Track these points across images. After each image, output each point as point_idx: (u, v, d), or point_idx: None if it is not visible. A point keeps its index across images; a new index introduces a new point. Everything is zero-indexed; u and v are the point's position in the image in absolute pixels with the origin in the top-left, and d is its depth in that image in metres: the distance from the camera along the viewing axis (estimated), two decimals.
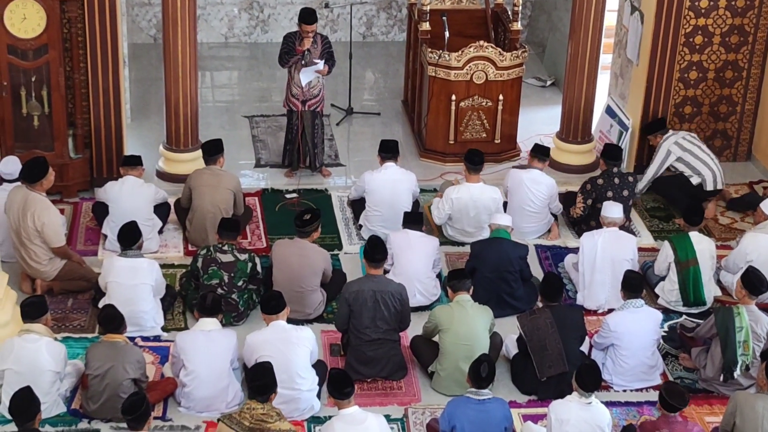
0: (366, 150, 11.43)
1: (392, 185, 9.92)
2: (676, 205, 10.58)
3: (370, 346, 8.33)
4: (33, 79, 10.01)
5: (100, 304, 8.51)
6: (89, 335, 8.72)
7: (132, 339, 8.44)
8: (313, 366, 8.09)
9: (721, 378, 8.33)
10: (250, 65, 13.43)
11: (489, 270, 9.03)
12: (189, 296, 9.03)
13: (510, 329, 8.70)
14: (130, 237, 8.71)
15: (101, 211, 9.82)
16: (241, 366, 8.17)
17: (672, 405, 7.29)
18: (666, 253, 9.32)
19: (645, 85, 11.07)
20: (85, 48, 10.11)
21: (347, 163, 11.33)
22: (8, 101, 10.00)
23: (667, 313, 9.19)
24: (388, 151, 9.99)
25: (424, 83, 11.28)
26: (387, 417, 7.69)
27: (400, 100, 12.59)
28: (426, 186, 10.64)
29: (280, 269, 8.92)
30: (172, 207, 10.08)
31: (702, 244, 9.26)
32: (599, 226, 9.54)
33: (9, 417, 7.23)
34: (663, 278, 9.39)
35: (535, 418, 8.05)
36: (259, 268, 9.12)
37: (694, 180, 10.55)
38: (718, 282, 9.54)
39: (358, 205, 10.23)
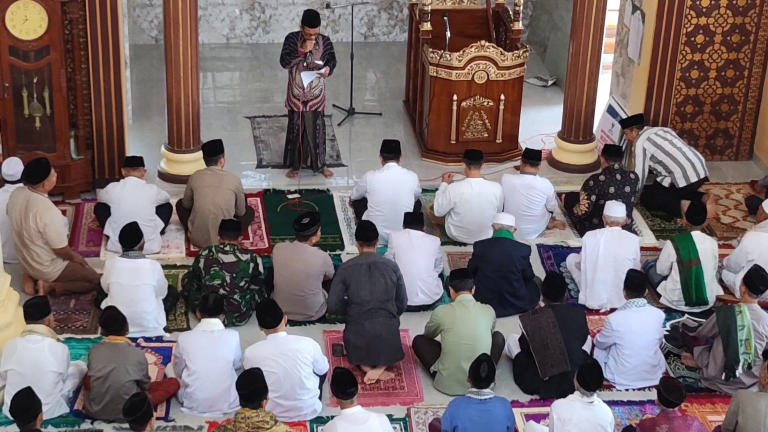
0: (367, 150, 11.43)
1: (394, 185, 9.93)
2: (666, 211, 10.59)
3: (369, 316, 8.35)
4: (34, 81, 10.02)
5: (102, 305, 8.52)
6: (91, 336, 8.73)
7: (134, 340, 8.45)
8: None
9: (724, 377, 8.33)
10: (251, 66, 13.44)
11: (491, 269, 9.03)
12: (191, 297, 9.03)
13: (512, 329, 8.70)
14: (131, 238, 8.71)
15: (103, 212, 9.82)
16: (242, 367, 8.15)
17: (670, 400, 7.29)
18: (668, 253, 9.32)
19: (646, 85, 11.08)
20: (86, 49, 10.12)
21: (349, 164, 11.34)
22: (10, 102, 10.01)
23: (670, 312, 9.19)
24: (390, 151, 9.99)
25: (426, 83, 11.28)
26: (389, 417, 7.69)
27: (402, 101, 12.60)
28: (428, 186, 10.64)
29: (281, 273, 8.93)
30: (174, 208, 10.08)
31: (704, 244, 9.25)
32: (601, 223, 9.54)
33: (11, 418, 7.22)
34: (665, 277, 9.38)
35: (538, 418, 8.05)
36: (261, 268, 9.12)
37: (665, 182, 10.52)
38: (720, 281, 9.54)
39: (359, 206, 10.23)
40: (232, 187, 9.77)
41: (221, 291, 8.75)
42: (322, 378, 8.14)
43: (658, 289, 9.40)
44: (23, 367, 7.76)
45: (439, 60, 10.94)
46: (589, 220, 10.06)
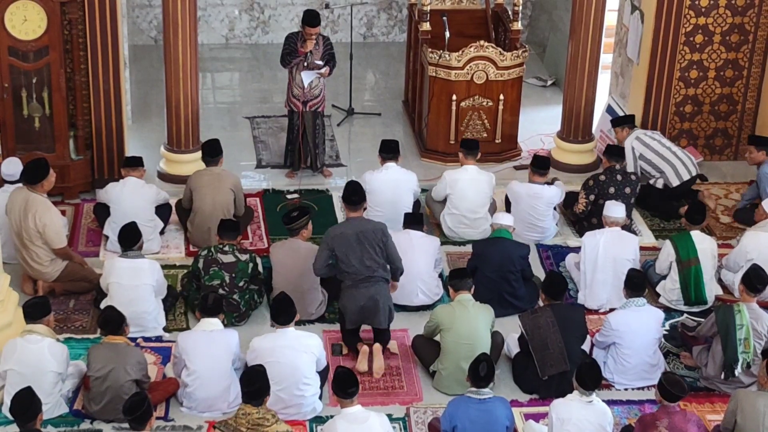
0: (367, 150, 11.44)
1: (393, 185, 9.94)
2: (660, 212, 10.57)
3: (362, 283, 8.40)
4: (34, 81, 10.02)
5: (102, 305, 8.52)
6: (91, 336, 8.73)
7: (134, 339, 8.45)
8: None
9: (723, 376, 8.33)
10: (250, 66, 13.45)
11: (491, 269, 9.04)
12: (190, 297, 9.04)
13: (511, 328, 8.71)
14: (130, 238, 8.72)
15: (102, 212, 9.83)
16: (242, 366, 8.17)
17: (672, 393, 7.29)
18: (667, 252, 9.32)
19: (645, 85, 11.09)
20: (85, 49, 10.12)
21: (348, 164, 11.34)
22: (9, 103, 10.01)
23: (669, 312, 9.19)
24: (389, 151, 10.00)
25: (425, 83, 11.29)
26: (389, 416, 7.70)
27: (401, 101, 12.60)
28: (427, 186, 10.64)
29: (279, 272, 8.94)
30: (174, 208, 10.09)
31: (704, 244, 9.26)
32: (601, 223, 9.55)
33: (11, 417, 7.23)
34: (664, 277, 9.39)
35: (537, 417, 8.06)
36: (260, 268, 9.13)
37: (659, 183, 10.48)
38: (719, 281, 9.54)
39: None
40: (231, 187, 9.78)
41: (220, 291, 8.76)
42: (323, 378, 8.15)
43: (657, 289, 9.40)
44: (23, 367, 7.77)
45: (438, 60, 10.95)
46: (588, 220, 10.07)
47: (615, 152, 10.09)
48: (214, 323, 8.10)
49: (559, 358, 8.21)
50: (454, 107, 11.03)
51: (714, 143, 11.53)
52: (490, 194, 10.01)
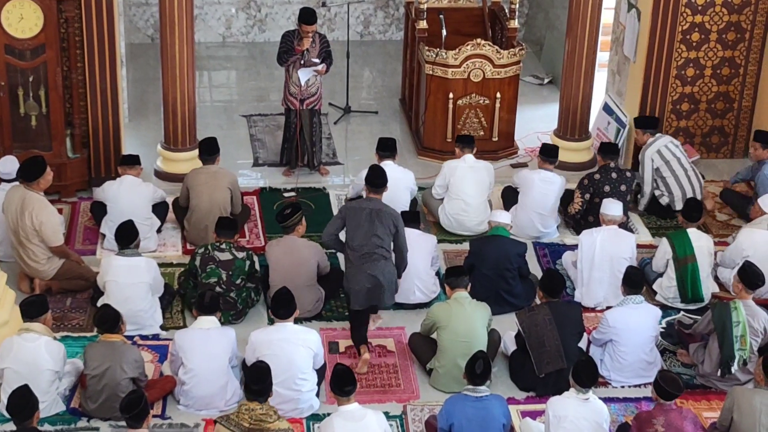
0: (364, 148, 11.45)
1: (391, 183, 9.88)
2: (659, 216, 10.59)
3: (365, 260, 8.44)
4: (30, 79, 10.02)
5: (99, 303, 8.52)
6: (88, 334, 8.73)
7: (131, 338, 8.46)
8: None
9: (719, 373, 8.34)
10: (247, 65, 13.45)
11: (487, 267, 9.05)
12: (187, 295, 9.04)
13: (508, 326, 8.72)
14: (127, 236, 8.72)
15: (99, 210, 9.83)
16: (240, 364, 8.18)
17: (668, 391, 7.30)
18: (664, 250, 9.33)
19: (642, 82, 11.09)
20: (82, 48, 10.12)
21: (345, 162, 11.35)
22: (6, 101, 10.01)
23: (665, 309, 9.19)
24: (386, 149, 10.01)
25: (422, 81, 11.30)
26: (386, 414, 7.70)
27: (398, 99, 12.61)
28: (424, 184, 10.65)
29: (275, 270, 8.94)
30: (171, 206, 10.09)
31: (700, 241, 9.27)
32: (597, 221, 9.56)
33: (8, 416, 7.23)
34: (661, 275, 9.40)
35: (534, 415, 8.06)
36: (257, 266, 9.13)
37: (663, 200, 10.46)
38: (716, 278, 9.55)
39: None
40: (228, 186, 9.78)
41: (217, 289, 8.76)
42: (321, 376, 8.15)
43: (654, 287, 9.41)
44: (20, 365, 7.77)
45: (435, 58, 10.95)
46: (584, 218, 10.07)
47: (609, 150, 10.09)
48: (211, 321, 8.10)
49: (555, 356, 8.22)
50: (451, 105, 11.04)
51: (710, 141, 11.53)
52: (489, 182, 10.02)
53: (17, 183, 9.11)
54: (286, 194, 10.72)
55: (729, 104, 11.41)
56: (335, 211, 10.41)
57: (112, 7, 10.04)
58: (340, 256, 9.72)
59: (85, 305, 9.08)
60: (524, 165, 11.13)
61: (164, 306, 8.96)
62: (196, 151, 10.26)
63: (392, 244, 8.58)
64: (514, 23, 11.43)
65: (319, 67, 10.56)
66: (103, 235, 9.77)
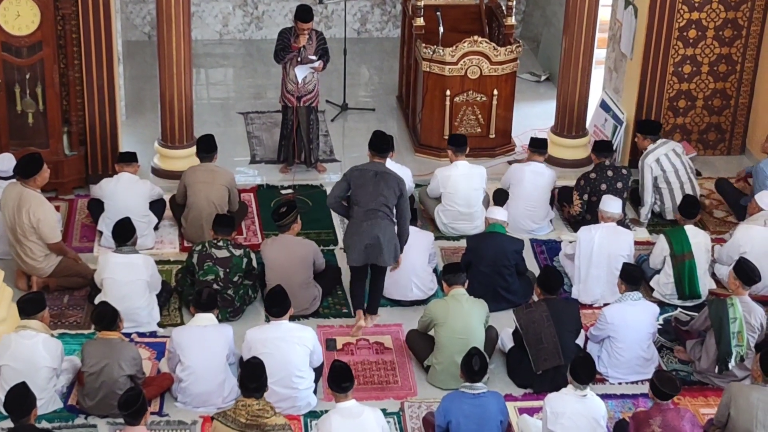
0: (361, 146, 11.40)
1: None
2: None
3: (368, 217, 8.52)
4: (27, 77, 10.01)
5: (96, 301, 8.52)
6: (85, 332, 8.73)
7: (128, 335, 8.46)
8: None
9: (716, 370, 8.35)
10: (244, 62, 13.44)
11: (485, 264, 9.05)
12: (185, 292, 9.04)
13: (505, 323, 8.72)
14: (124, 233, 8.72)
15: (96, 207, 9.82)
16: (237, 361, 8.18)
17: (664, 392, 7.30)
18: (661, 247, 9.33)
19: (639, 80, 11.09)
20: (79, 45, 10.11)
21: (342, 159, 11.34)
22: (2, 98, 10.00)
23: (662, 306, 9.20)
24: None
25: (419, 79, 11.30)
26: (383, 411, 7.69)
27: (395, 96, 12.61)
28: (421, 181, 10.65)
29: (271, 268, 8.93)
30: (168, 203, 10.09)
31: (697, 238, 9.27)
32: (595, 219, 9.56)
33: (5, 413, 7.23)
34: (658, 271, 9.40)
35: (531, 411, 8.07)
36: (254, 263, 9.13)
37: (655, 208, 10.38)
38: (713, 275, 9.56)
39: None
40: (225, 183, 9.78)
41: (215, 286, 8.76)
42: (318, 374, 8.16)
43: (651, 283, 9.41)
44: (17, 362, 7.76)
45: (432, 55, 10.95)
46: (582, 217, 10.07)
47: (603, 148, 10.09)
48: (208, 318, 8.11)
49: (553, 353, 8.22)
50: (448, 102, 11.04)
51: (707, 138, 11.54)
52: (484, 187, 10.03)
53: (14, 180, 9.11)
54: (283, 191, 10.72)
55: (726, 101, 11.42)
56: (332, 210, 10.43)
57: (109, 4, 10.03)
58: (337, 254, 9.76)
59: (82, 302, 9.07)
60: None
61: (161, 303, 8.96)
62: (194, 149, 10.26)
63: (395, 209, 8.68)
64: (511, 20, 11.43)
65: (316, 64, 10.56)
66: (101, 233, 9.76)
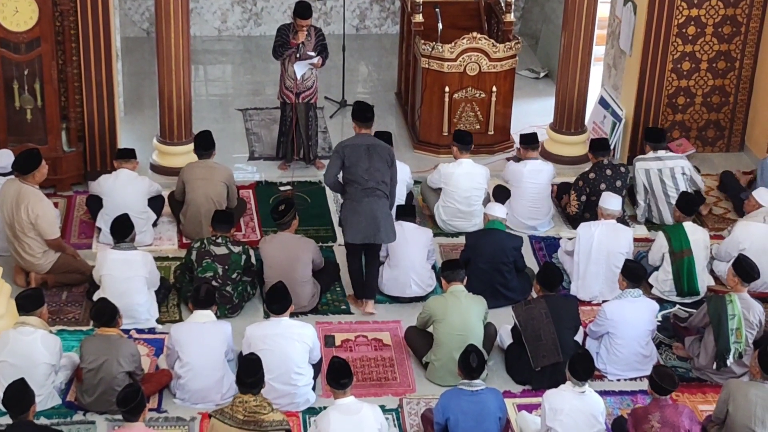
0: None
1: None
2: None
3: (366, 195, 8.65)
4: (25, 73, 10.00)
5: (95, 297, 8.51)
6: (84, 328, 8.72)
7: (126, 331, 8.45)
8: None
9: (715, 366, 8.35)
10: (243, 58, 13.43)
11: (483, 261, 9.05)
12: (183, 288, 9.04)
13: (504, 319, 8.72)
14: (122, 230, 8.71)
15: (95, 204, 9.82)
16: (236, 357, 8.18)
17: (663, 387, 7.31)
18: (660, 244, 9.34)
19: (638, 76, 11.09)
20: (77, 41, 10.10)
21: None
22: (1, 95, 9.99)
23: (661, 302, 9.20)
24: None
25: (418, 75, 11.29)
26: (382, 407, 7.71)
27: (394, 93, 12.60)
28: (420, 178, 10.65)
29: (270, 266, 8.93)
30: (166, 200, 10.08)
31: (696, 235, 9.28)
32: (594, 217, 9.55)
33: (3, 409, 7.23)
34: (657, 268, 9.40)
35: (530, 408, 8.07)
36: (253, 260, 9.12)
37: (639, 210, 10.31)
38: (711, 272, 9.56)
39: None
40: (224, 180, 9.77)
41: (213, 283, 8.76)
42: (317, 370, 8.16)
43: (650, 280, 9.41)
44: (16, 359, 7.76)
45: (430, 52, 10.94)
46: (580, 214, 10.06)
47: (599, 146, 10.07)
48: (207, 315, 8.10)
49: (552, 349, 8.22)
50: (446, 99, 11.03)
51: (706, 135, 11.54)
52: (485, 187, 10.03)
53: (12, 176, 9.10)
54: (282, 188, 10.72)
55: (725, 98, 11.41)
56: (331, 205, 10.43)
57: (108, 0, 10.02)
58: (336, 250, 9.76)
59: (80, 299, 9.07)
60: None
61: (160, 300, 8.96)
62: (192, 145, 10.25)
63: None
64: (510, 17, 11.43)
65: (315, 60, 10.55)
66: (99, 229, 9.76)
